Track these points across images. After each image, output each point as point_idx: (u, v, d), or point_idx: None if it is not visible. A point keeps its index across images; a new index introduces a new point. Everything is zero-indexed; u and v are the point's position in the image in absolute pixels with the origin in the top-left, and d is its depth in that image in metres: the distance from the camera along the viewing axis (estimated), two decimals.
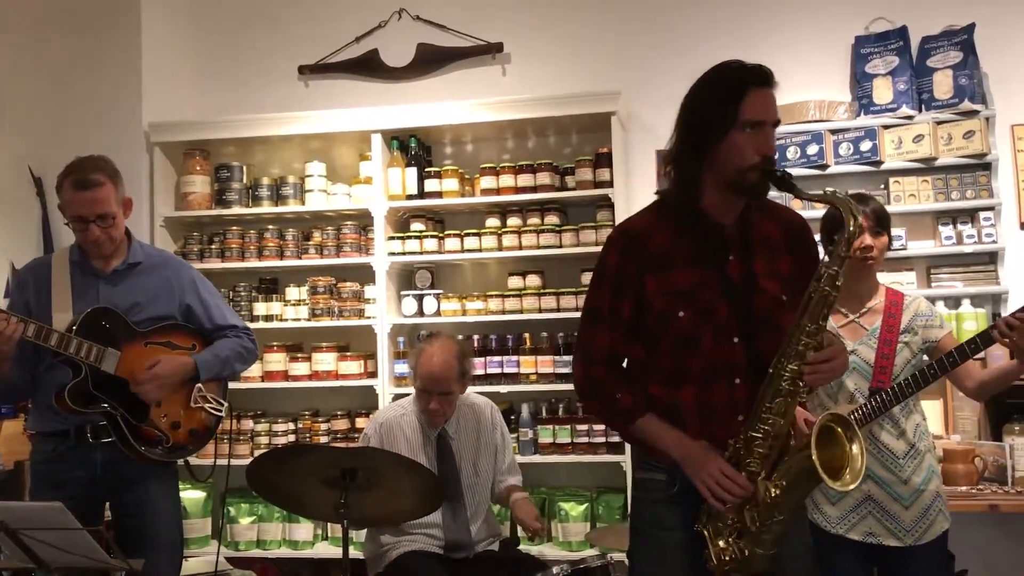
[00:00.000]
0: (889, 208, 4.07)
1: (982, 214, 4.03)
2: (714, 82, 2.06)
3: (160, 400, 2.89)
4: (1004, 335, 2.60)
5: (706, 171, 2.06)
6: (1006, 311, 3.95)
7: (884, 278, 4.09)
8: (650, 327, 2.09)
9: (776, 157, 2.07)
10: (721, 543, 2.02)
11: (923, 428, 2.82)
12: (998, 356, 3.22)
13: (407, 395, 3.61)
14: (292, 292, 4.53)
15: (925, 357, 2.87)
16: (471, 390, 3.54)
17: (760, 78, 2.02)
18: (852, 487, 1.97)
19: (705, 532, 2.04)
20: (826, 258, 2.00)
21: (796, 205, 3.71)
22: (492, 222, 4.41)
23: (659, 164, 4.42)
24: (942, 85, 4.11)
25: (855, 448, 1.98)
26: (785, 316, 2.06)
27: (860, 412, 2.71)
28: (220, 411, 3.06)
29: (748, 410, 2.04)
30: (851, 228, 1.95)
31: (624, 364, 2.19)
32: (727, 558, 2.01)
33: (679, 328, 2.05)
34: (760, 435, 2.00)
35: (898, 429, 2.75)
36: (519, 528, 3.33)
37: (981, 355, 2.81)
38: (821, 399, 2.82)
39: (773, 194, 2.12)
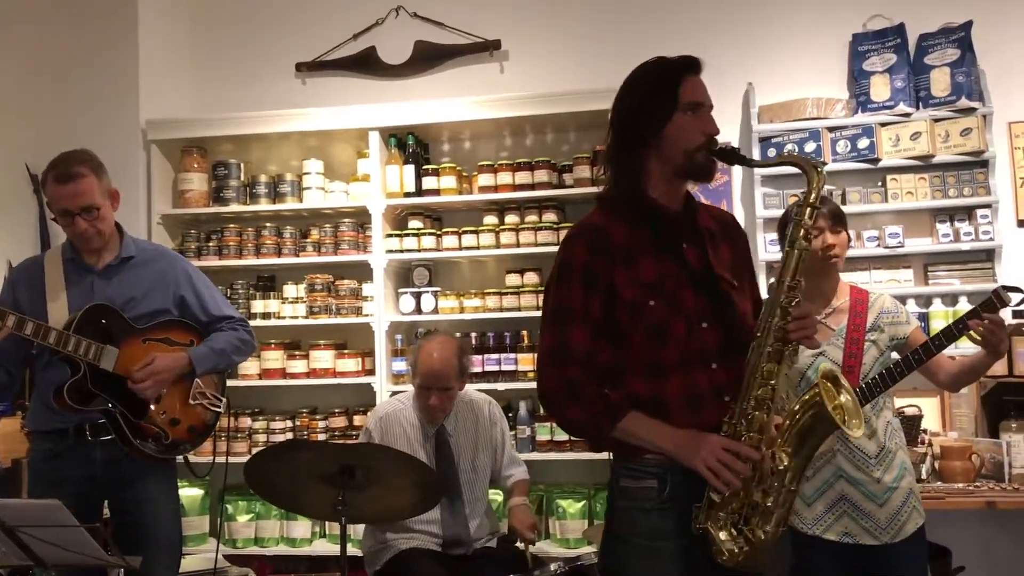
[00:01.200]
0: (886, 205, 4.12)
1: (979, 211, 4.03)
2: (649, 74, 2.12)
3: (158, 397, 2.89)
4: (975, 330, 2.64)
5: (652, 162, 2.10)
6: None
7: (882, 275, 4.12)
8: (620, 322, 2.04)
9: (719, 137, 2.11)
10: (724, 535, 1.97)
11: (894, 425, 2.83)
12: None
13: (404, 392, 3.61)
14: (290, 290, 4.53)
15: (894, 354, 2.88)
16: (470, 387, 3.54)
17: (692, 65, 2.10)
18: (861, 432, 2.05)
19: (709, 529, 1.98)
20: (797, 211, 2.05)
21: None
22: (490, 219, 4.41)
23: None
24: (939, 82, 4.11)
25: (844, 398, 2.04)
26: (741, 300, 2.12)
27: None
28: (219, 407, 3.06)
29: (732, 392, 2.04)
30: (816, 179, 2.02)
31: (597, 366, 2.10)
32: (737, 549, 1.96)
33: (650, 319, 2.02)
34: (754, 403, 1.99)
35: (869, 428, 2.74)
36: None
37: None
38: (790, 397, 2.81)
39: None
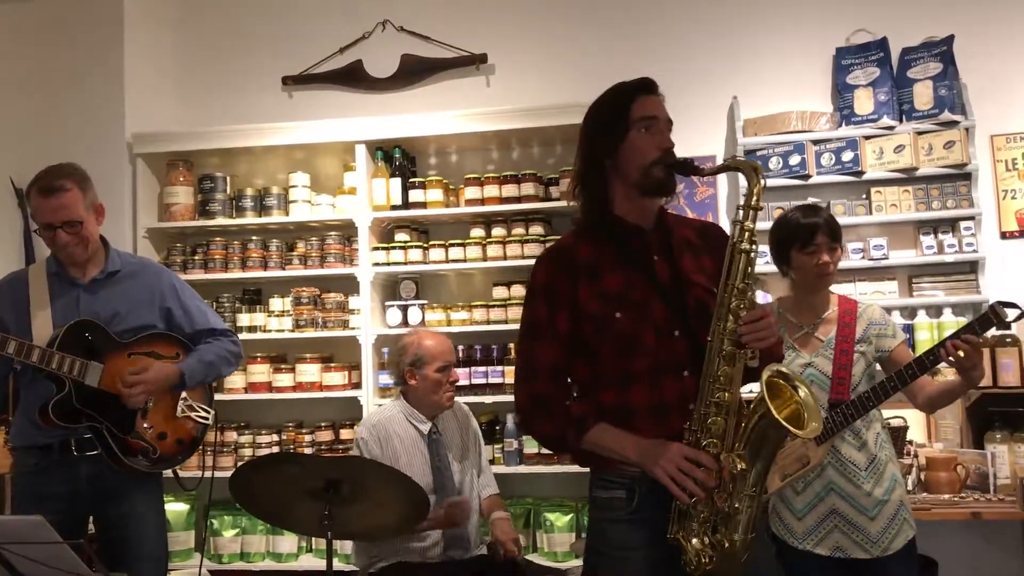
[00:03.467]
0: (871, 218, 4.14)
1: (963, 223, 4.06)
2: (605, 98, 2.21)
3: (144, 411, 2.87)
4: (950, 353, 2.59)
5: (614, 181, 2.17)
6: None
7: (867, 287, 4.14)
8: (589, 335, 2.09)
9: (675, 149, 2.15)
10: (696, 542, 1.98)
11: (883, 437, 2.81)
12: None
13: (388, 402, 3.63)
14: (276, 303, 4.51)
15: (878, 366, 2.87)
16: (457, 399, 3.57)
17: (645, 86, 2.17)
18: (816, 432, 1.99)
19: (680, 538, 1.99)
20: (739, 213, 2.07)
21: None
22: (477, 232, 4.41)
23: None
24: (922, 96, 4.15)
25: (803, 393, 2.01)
26: None
27: (823, 426, 2.66)
28: (207, 419, 3.04)
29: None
30: (756, 181, 2.05)
31: (567, 380, 2.16)
32: (705, 559, 1.97)
33: (619, 330, 2.06)
34: (712, 410, 1.99)
35: (859, 440, 2.74)
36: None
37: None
38: None
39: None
